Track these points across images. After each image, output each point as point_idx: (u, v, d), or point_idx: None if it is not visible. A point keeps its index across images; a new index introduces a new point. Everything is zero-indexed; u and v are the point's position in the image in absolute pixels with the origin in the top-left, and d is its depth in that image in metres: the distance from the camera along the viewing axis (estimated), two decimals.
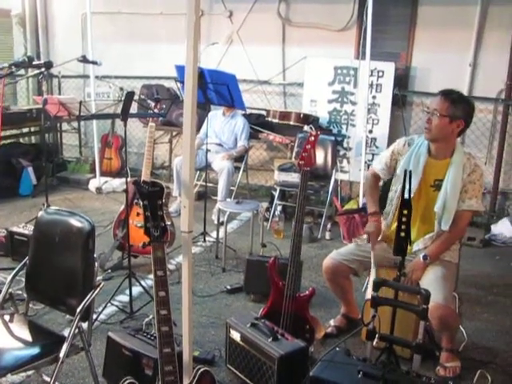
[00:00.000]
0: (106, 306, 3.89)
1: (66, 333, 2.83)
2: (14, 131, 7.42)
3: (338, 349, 2.78)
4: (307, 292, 3.39)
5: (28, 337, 2.73)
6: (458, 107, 3.26)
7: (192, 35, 2.14)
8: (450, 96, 3.28)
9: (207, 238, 5.32)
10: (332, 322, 3.83)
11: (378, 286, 2.76)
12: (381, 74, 6.37)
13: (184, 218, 2.15)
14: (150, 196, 2.04)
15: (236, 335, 3.18)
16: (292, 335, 3.11)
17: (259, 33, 7.13)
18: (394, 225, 2.99)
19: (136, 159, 8.11)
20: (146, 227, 2.07)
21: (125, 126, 3.67)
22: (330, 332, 3.74)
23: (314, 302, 3.97)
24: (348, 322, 3.81)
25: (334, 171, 6.11)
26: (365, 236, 3.62)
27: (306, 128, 5.87)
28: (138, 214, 4.49)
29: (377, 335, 2.65)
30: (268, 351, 2.94)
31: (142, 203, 2.04)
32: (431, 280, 3.21)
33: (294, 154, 6.21)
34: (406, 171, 2.94)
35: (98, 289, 2.67)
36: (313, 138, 3.38)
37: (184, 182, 2.13)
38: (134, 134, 8.08)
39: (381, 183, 3.81)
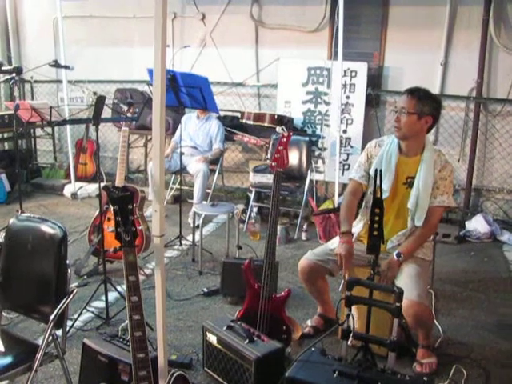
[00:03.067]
0: (81, 313, 3.86)
1: (40, 341, 2.81)
2: None
3: (313, 349, 2.78)
4: (283, 293, 3.39)
5: (0, 347, 2.69)
6: (425, 103, 3.30)
7: (160, 38, 2.14)
8: (416, 93, 3.32)
9: (183, 242, 5.31)
10: (309, 323, 3.84)
11: (351, 285, 2.77)
12: (354, 73, 6.41)
13: (155, 222, 2.15)
14: (121, 201, 2.03)
15: (213, 338, 3.18)
16: (269, 336, 3.12)
17: (232, 35, 7.15)
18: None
19: (111, 164, 8.06)
20: (116, 232, 2.05)
21: (96, 130, 3.65)
22: (307, 332, 3.75)
23: (290, 302, 3.99)
24: (325, 322, 3.83)
25: (309, 172, 6.13)
26: (336, 240, 3.58)
27: (278, 129, 5.88)
28: (109, 219, 4.47)
29: (351, 334, 2.67)
30: (244, 353, 2.94)
31: (112, 208, 2.03)
32: (405, 278, 3.23)
33: (268, 156, 6.22)
34: (376, 170, 2.97)
35: (72, 295, 2.64)
36: (285, 139, 3.39)
37: (155, 186, 2.13)
38: (108, 139, 8.03)
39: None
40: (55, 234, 2.65)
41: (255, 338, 3.06)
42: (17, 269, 2.81)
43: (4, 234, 4.47)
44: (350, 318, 2.67)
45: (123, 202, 2.04)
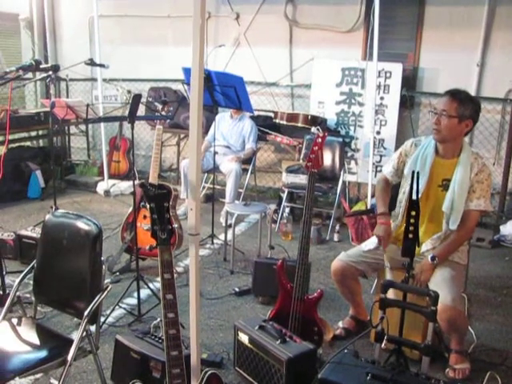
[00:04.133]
0: (114, 309, 3.90)
1: (73, 336, 2.85)
2: (23, 134, 7.45)
3: (346, 351, 2.76)
4: (315, 294, 3.38)
5: (36, 340, 2.73)
6: (467, 107, 3.24)
7: (198, 37, 2.14)
8: (457, 96, 3.26)
9: (215, 241, 5.32)
10: (340, 324, 3.82)
11: (386, 287, 2.75)
12: (388, 74, 6.35)
13: (191, 220, 2.15)
14: (157, 198, 2.04)
15: (244, 338, 3.17)
16: (300, 337, 3.10)
17: (266, 34, 7.14)
18: (403, 226, 2.97)
19: (144, 162, 8.12)
20: (152, 230, 2.06)
21: (132, 128, 3.67)
22: (339, 334, 3.73)
23: (322, 303, 3.96)
24: (357, 324, 3.80)
25: (341, 172, 6.09)
26: (372, 239, 3.58)
27: (313, 130, 5.86)
28: (144, 217, 4.50)
29: (385, 337, 2.64)
30: (276, 353, 2.93)
31: (148, 206, 2.04)
32: (439, 281, 3.19)
33: (301, 156, 6.20)
34: (413, 172, 2.93)
35: (106, 292, 2.67)
36: (320, 140, 3.37)
37: (191, 184, 2.13)
38: (142, 137, 8.09)
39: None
40: (90, 231, 2.68)
41: (287, 339, 3.04)
42: (52, 264, 2.85)
43: (40, 230, 4.58)
44: (384, 320, 2.64)
45: (159, 199, 2.05)
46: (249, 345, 3.14)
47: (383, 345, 2.66)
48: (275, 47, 7.15)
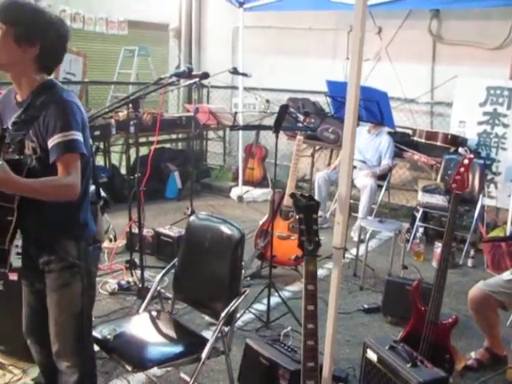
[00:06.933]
0: (244, 313, 3.98)
1: (204, 334, 2.94)
2: (164, 137, 7.83)
3: None
4: (450, 320, 3.26)
5: (173, 335, 2.86)
6: None
7: (357, 51, 2.15)
8: None
9: (346, 255, 5.28)
10: (473, 355, 3.65)
11: None
12: None
13: (337, 233, 2.15)
14: (307, 209, 2.06)
15: (373, 356, 3.12)
16: (431, 363, 3.00)
17: (408, 50, 7.01)
18: None
19: (277, 171, 8.20)
20: (299, 240, 2.08)
21: (276, 137, 3.75)
22: (471, 365, 3.56)
23: (454, 331, 3.80)
24: (491, 357, 3.61)
25: (480, 196, 5.84)
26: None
27: (460, 150, 5.69)
28: (280, 225, 4.55)
29: None
30: (406, 377, 2.84)
31: (297, 216, 2.06)
32: None
33: (439, 176, 6.02)
34: None
35: (243, 296, 2.74)
36: (467, 161, 3.26)
37: (339, 198, 2.13)
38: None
39: None
40: (233, 235, 2.77)
41: (418, 363, 2.95)
42: (193, 264, 2.96)
43: (178, 230, 4.79)
44: None
45: (309, 210, 2.07)
46: (377, 364, 3.08)
47: None
48: (417, 63, 7.01)
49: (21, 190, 2.08)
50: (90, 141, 2.32)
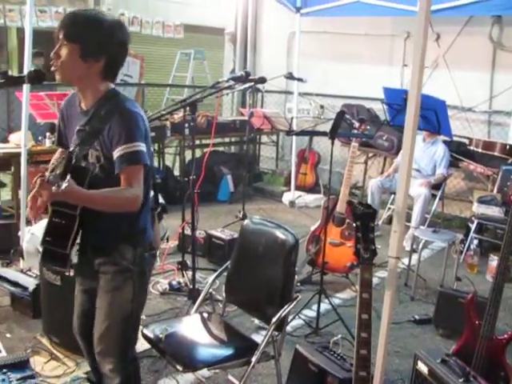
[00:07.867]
0: (293, 318, 3.97)
1: (253, 338, 2.95)
2: (218, 140, 7.89)
3: None
4: (505, 335, 3.17)
5: (224, 337, 2.88)
6: None
7: (418, 59, 2.13)
8: None
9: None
10: None
11: None
12: None
13: (393, 243, 2.13)
14: (364, 217, 2.05)
15: (424, 368, 3.07)
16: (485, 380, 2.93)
17: (467, 57, 6.90)
18: None
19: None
20: (356, 248, 2.07)
21: (332, 144, 3.74)
22: None
23: (509, 347, 3.72)
24: None
25: None
26: None
27: None
28: (332, 232, 4.54)
29: None
30: None
31: (354, 224, 2.05)
32: None
33: (496, 187, 5.89)
34: None
35: (295, 301, 2.73)
36: None
37: (397, 206, 2.11)
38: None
39: None
40: (287, 241, 2.77)
41: (471, 379, 2.89)
42: (246, 267, 2.98)
43: (228, 232, 4.83)
44: None
45: (366, 218, 2.06)
46: (428, 377, 3.03)
47: None
48: (475, 70, 6.88)
49: (83, 201, 2.11)
50: (152, 148, 2.35)
